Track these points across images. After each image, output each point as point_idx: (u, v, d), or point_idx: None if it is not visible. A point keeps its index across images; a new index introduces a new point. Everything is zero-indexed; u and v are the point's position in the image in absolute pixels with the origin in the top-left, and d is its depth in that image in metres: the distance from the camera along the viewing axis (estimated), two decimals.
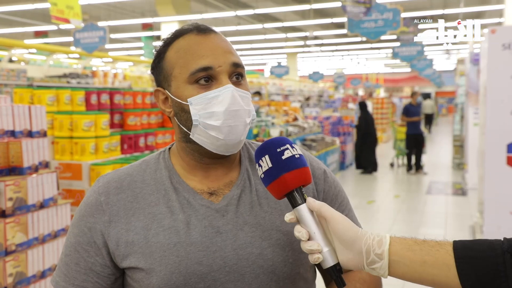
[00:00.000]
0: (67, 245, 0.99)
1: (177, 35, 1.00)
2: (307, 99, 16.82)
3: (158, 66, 1.01)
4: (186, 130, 0.98)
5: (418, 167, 9.93)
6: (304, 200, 0.87)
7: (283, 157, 0.87)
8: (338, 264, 0.85)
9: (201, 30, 0.99)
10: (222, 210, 0.97)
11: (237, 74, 0.97)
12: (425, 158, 10.38)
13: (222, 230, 0.95)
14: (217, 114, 0.93)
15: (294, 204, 0.87)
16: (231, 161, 1.03)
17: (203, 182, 1.01)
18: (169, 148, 1.07)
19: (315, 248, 0.83)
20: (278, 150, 0.88)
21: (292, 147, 0.89)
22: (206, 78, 0.94)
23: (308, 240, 0.84)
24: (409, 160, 10.03)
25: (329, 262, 0.84)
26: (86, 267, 0.96)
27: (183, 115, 0.97)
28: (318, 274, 1.10)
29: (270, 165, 0.87)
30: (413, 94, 10.38)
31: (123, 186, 1.00)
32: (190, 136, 0.97)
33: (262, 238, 0.96)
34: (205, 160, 1.01)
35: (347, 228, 0.84)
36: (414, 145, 9.79)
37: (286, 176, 0.86)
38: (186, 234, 0.94)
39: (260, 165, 0.89)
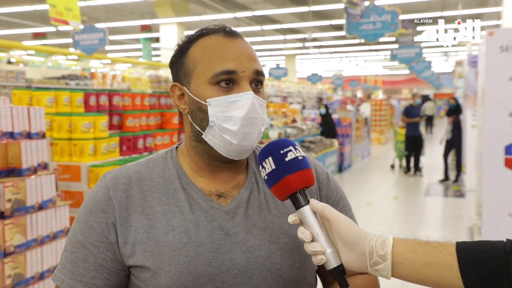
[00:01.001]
0: (73, 242, 0.97)
1: (202, 34, 0.99)
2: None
3: (180, 61, 1.00)
4: (199, 129, 0.97)
5: (417, 169, 9.95)
6: (307, 202, 0.87)
7: (287, 159, 0.87)
8: (341, 265, 0.85)
9: (229, 32, 0.99)
10: (231, 212, 0.97)
11: (257, 81, 0.98)
12: (423, 160, 10.40)
13: (231, 232, 0.95)
14: (235, 119, 0.93)
15: (297, 206, 0.87)
16: (239, 165, 1.03)
17: (210, 183, 1.00)
18: (176, 147, 1.07)
19: (318, 250, 0.83)
20: (282, 152, 0.88)
21: (296, 149, 0.89)
22: (227, 81, 0.94)
23: (312, 241, 0.85)
24: (407, 161, 10.05)
25: (332, 264, 0.84)
26: (95, 263, 0.94)
27: (200, 115, 0.96)
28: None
29: (273, 166, 0.87)
30: (414, 96, 10.49)
31: (131, 182, 0.98)
32: (203, 136, 0.97)
33: (270, 242, 0.96)
34: (213, 163, 1.00)
35: (350, 229, 0.84)
36: (413, 146, 9.82)
37: (289, 177, 0.86)
38: (196, 235, 0.93)
39: (263, 167, 0.89)
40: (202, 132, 0.97)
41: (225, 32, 0.98)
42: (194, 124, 0.98)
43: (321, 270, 1.06)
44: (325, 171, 1.10)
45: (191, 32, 1.02)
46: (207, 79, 0.95)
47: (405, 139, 10.04)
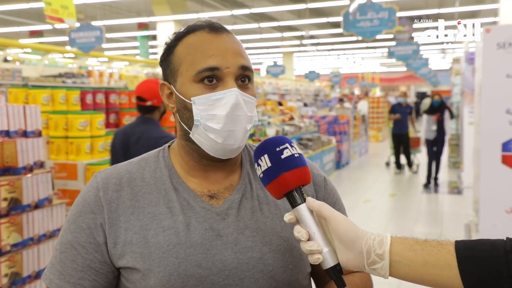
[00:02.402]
0: (63, 242, 0.96)
1: (189, 31, 0.97)
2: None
3: (167, 59, 0.99)
4: (187, 128, 0.96)
5: (410, 165, 9.94)
6: (304, 200, 0.85)
7: (282, 156, 0.85)
8: (338, 265, 0.83)
9: (214, 28, 0.96)
10: (223, 213, 0.96)
11: (244, 77, 0.95)
12: (420, 157, 10.41)
13: (222, 233, 0.94)
14: (218, 117, 0.92)
15: (293, 204, 0.86)
16: (232, 165, 1.02)
17: (202, 183, 0.99)
18: (169, 146, 1.05)
19: (315, 249, 0.82)
20: (277, 149, 0.86)
21: (292, 146, 0.87)
22: (210, 78, 0.92)
23: (308, 240, 0.83)
24: (397, 159, 10.06)
25: (329, 263, 0.83)
26: (83, 264, 0.93)
27: (186, 113, 0.95)
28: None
29: (269, 164, 0.86)
30: (404, 94, 10.69)
31: (122, 183, 0.97)
32: (190, 135, 0.96)
33: (262, 243, 0.95)
34: (204, 162, 0.99)
35: (347, 228, 0.82)
36: (398, 144, 9.85)
37: (286, 175, 0.85)
38: (186, 236, 0.92)
39: (259, 165, 0.88)
40: (189, 131, 0.96)
41: (211, 28, 0.96)
42: (182, 123, 0.97)
43: (315, 271, 1.05)
44: (321, 174, 1.09)
45: (179, 30, 1.01)
46: (191, 77, 0.93)
47: (391, 136, 10.08)
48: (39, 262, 2.64)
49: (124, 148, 2.84)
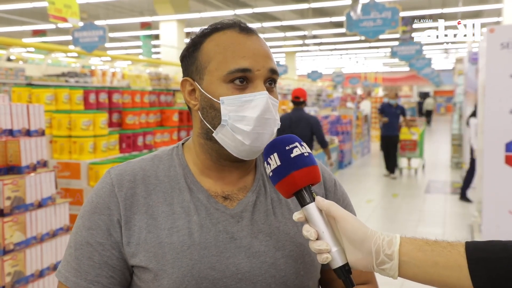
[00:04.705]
0: (77, 239, 0.94)
1: (217, 28, 0.96)
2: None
3: (192, 55, 0.97)
4: (210, 127, 0.94)
5: (392, 170, 9.39)
6: (313, 199, 0.85)
7: (292, 155, 0.85)
8: (347, 265, 0.83)
9: (244, 29, 0.96)
10: (237, 216, 0.95)
11: (271, 80, 0.95)
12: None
13: (236, 236, 0.93)
14: (249, 119, 0.91)
15: (302, 203, 0.86)
16: (247, 166, 1.01)
17: (216, 184, 0.98)
18: (182, 144, 1.04)
19: (323, 248, 0.81)
20: (287, 148, 0.86)
21: (301, 145, 0.87)
22: (241, 80, 0.91)
23: (317, 239, 0.83)
24: (386, 161, 9.54)
25: (338, 262, 0.83)
26: (100, 261, 0.91)
27: (211, 112, 0.93)
28: None
29: (278, 163, 0.85)
30: (395, 95, 10.27)
31: (136, 180, 0.96)
32: (213, 135, 0.94)
33: (276, 248, 0.94)
34: (221, 162, 0.97)
35: (356, 227, 0.82)
36: (387, 146, 9.37)
37: (295, 174, 0.84)
38: (200, 237, 0.91)
39: (268, 163, 0.87)
40: (213, 130, 0.94)
41: (241, 28, 0.95)
42: (205, 121, 0.95)
43: (323, 278, 1.05)
44: (332, 178, 1.09)
45: (205, 27, 0.99)
46: (221, 77, 0.92)
47: (380, 138, 9.62)
48: (42, 261, 2.64)
49: (288, 125, 5.45)
